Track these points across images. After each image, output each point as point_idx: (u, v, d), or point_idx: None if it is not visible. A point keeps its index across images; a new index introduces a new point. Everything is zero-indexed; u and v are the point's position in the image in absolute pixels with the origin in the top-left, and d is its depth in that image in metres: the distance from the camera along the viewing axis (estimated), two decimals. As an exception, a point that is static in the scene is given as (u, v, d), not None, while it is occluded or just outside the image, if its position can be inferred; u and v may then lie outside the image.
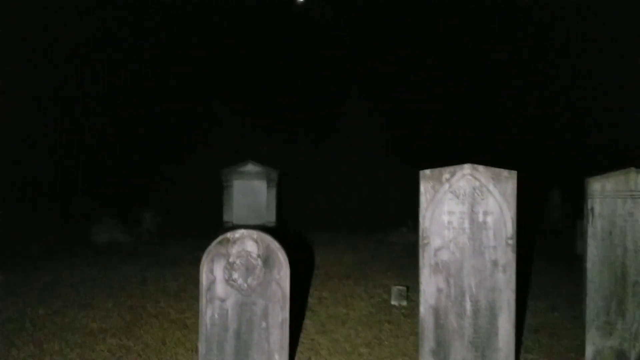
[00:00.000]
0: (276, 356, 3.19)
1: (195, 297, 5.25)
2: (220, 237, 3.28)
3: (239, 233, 3.27)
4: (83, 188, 12.69)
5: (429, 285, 3.22)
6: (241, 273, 3.23)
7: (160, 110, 13.47)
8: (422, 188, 3.25)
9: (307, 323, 4.43)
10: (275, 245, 3.27)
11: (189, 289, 5.60)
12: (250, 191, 8.74)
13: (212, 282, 3.23)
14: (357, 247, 7.96)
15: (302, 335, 4.12)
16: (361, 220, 10.48)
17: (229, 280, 3.23)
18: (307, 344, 3.96)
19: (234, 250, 3.25)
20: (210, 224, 9.36)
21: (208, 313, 3.21)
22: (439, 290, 3.21)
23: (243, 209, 8.69)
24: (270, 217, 8.69)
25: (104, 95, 13.52)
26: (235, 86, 13.73)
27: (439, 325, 3.20)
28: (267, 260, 3.25)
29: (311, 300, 5.08)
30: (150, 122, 13.27)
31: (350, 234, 9.04)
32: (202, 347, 3.19)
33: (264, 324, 3.22)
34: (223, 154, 11.69)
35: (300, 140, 13.08)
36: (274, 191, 8.78)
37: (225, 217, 8.71)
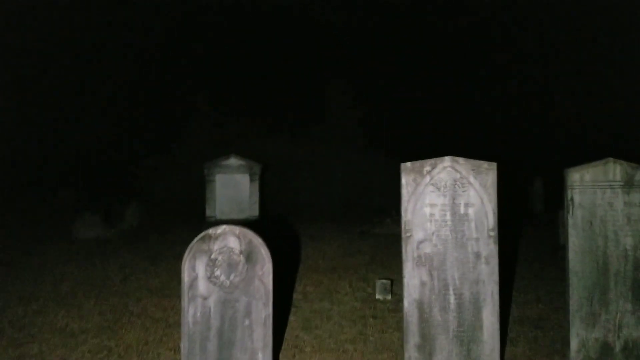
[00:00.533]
0: (260, 354, 3.15)
1: (178, 295, 5.18)
2: (202, 233, 3.22)
3: (220, 229, 3.22)
4: (66, 181, 12.44)
5: (413, 278, 3.21)
6: (223, 270, 3.18)
7: (141, 103, 13.24)
8: (403, 181, 3.23)
9: (292, 319, 4.40)
10: (257, 240, 3.22)
11: (171, 286, 5.53)
12: (233, 185, 8.65)
13: (194, 280, 3.17)
14: (342, 239, 7.95)
15: (286, 331, 4.09)
16: (345, 211, 10.46)
17: (211, 277, 3.18)
18: (292, 340, 3.93)
19: (216, 246, 3.19)
20: (193, 218, 9.26)
21: (190, 311, 3.16)
22: (423, 283, 3.20)
23: (226, 203, 8.59)
24: (254, 211, 8.61)
25: (86, 88, 13.22)
26: (216, 78, 13.55)
27: (424, 319, 3.19)
28: (249, 256, 3.20)
29: (295, 295, 5.05)
30: (132, 114, 13.04)
31: (335, 226, 9.02)
32: (184, 346, 3.14)
33: (247, 322, 3.17)
34: (205, 146, 11.56)
35: (283, 132, 12.99)
36: (256, 184, 8.70)
37: (208, 212, 8.60)
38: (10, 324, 4.37)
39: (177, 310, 4.71)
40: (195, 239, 3.21)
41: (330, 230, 8.74)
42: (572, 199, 3.46)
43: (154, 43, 13.63)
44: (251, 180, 8.68)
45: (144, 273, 6.03)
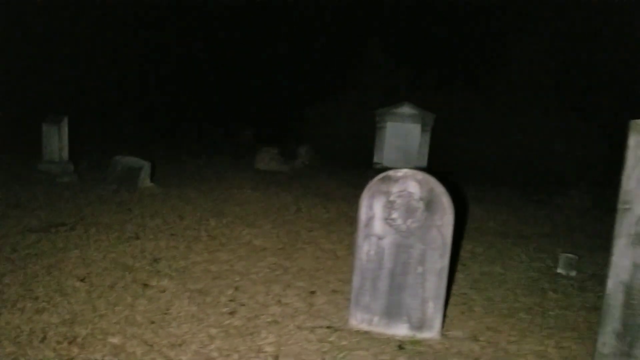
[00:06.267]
0: (430, 304, 3.07)
1: (345, 231, 5.39)
2: (382, 174, 3.17)
3: (402, 172, 3.13)
4: (245, 121, 13.82)
5: (623, 258, 2.71)
6: (401, 213, 3.11)
7: (317, 49, 13.67)
8: (631, 141, 2.67)
9: (459, 277, 4.20)
10: (440, 189, 3.06)
11: (338, 222, 5.76)
12: (404, 134, 8.49)
13: (370, 219, 3.18)
14: (514, 205, 7.30)
15: (453, 288, 3.92)
16: (519, 176, 9.54)
17: (387, 219, 3.15)
18: (460, 297, 3.76)
19: (396, 189, 3.12)
20: (360, 163, 9.47)
21: (364, 248, 3.19)
22: (636, 266, 2.69)
23: (394, 151, 8.52)
24: (422, 162, 8.38)
25: (266, 34, 14.14)
26: (390, 25, 13.16)
27: (630, 305, 2.71)
28: (429, 203, 3.06)
29: (463, 254, 4.81)
30: (308, 60, 13.59)
31: (506, 191, 8.32)
32: (355, 280, 3.22)
33: (420, 269, 3.09)
34: (373, 95, 11.49)
35: (457, 84, 12.13)
36: (427, 136, 8.40)
37: (376, 158, 8.65)
38: (206, 232, 5.07)
39: (344, 245, 4.91)
40: (375, 179, 3.18)
41: (502, 194, 8.10)
42: None
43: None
44: (422, 130, 8.40)
45: (314, 207, 6.38)
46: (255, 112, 14.25)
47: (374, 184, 3.18)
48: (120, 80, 13.97)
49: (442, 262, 3.05)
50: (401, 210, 3.11)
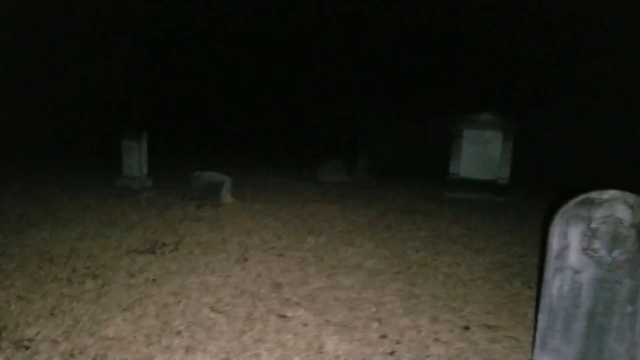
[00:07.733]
0: (646, 351, 2.58)
1: (454, 251, 4.93)
2: (581, 197, 2.70)
3: (608, 194, 2.65)
4: (302, 129, 13.39)
5: None
6: (604, 243, 2.64)
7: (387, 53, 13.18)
8: None
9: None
10: (657, 215, 2.57)
11: (439, 241, 5.30)
12: (482, 142, 7.98)
13: (564, 249, 2.70)
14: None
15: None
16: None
17: (587, 250, 2.67)
18: None
19: (599, 214, 2.65)
20: (427, 173, 9.01)
21: (555, 283, 2.72)
22: None
23: (472, 161, 8.02)
24: (504, 173, 7.85)
25: (325, 42, 13.76)
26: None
27: None
28: (643, 232, 2.58)
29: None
30: (364, 64, 13.18)
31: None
32: (542, 319, 2.75)
33: (629, 309, 2.61)
34: (450, 100, 10.96)
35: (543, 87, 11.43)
36: (510, 144, 7.86)
37: (452, 168, 8.15)
38: (310, 253, 4.65)
39: (464, 268, 4.44)
40: (571, 202, 2.72)
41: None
42: None
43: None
44: (504, 138, 7.88)
45: (404, 224, 5.89)
46: (310, 122, 13.81)
47: (570, 208, 2.71)
48: (185, 94, 13.77)
49: (662, 302, 2.57)
50: (605, 239, 2.64)
